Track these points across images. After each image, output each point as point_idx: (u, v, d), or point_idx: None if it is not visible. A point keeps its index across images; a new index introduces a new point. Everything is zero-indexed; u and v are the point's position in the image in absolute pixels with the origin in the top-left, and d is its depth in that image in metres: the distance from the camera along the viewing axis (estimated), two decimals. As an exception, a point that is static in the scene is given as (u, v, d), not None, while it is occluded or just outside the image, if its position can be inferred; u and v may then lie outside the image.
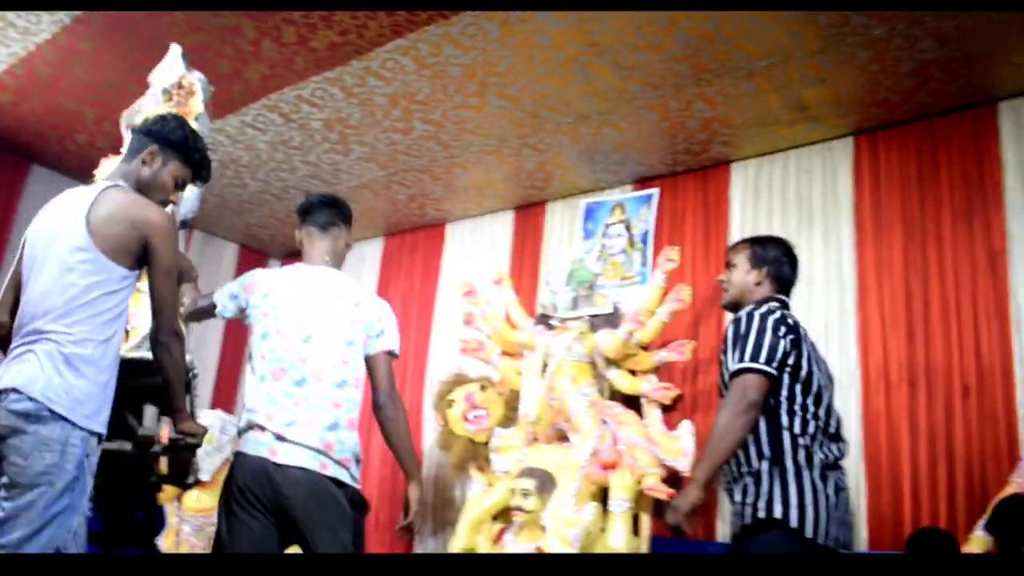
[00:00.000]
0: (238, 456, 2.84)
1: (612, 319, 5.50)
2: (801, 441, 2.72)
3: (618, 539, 4.70)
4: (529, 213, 6.98)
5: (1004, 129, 4.96)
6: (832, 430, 2.84)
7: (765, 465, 2.69)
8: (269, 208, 7.50)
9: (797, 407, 2.76)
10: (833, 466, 2.78)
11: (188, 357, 2.78)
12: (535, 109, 5.51)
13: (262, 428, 2.79)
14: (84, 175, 6.91)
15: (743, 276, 3.08)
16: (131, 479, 3.66)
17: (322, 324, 2.93)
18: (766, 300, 2.96)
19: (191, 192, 3.72)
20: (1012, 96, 4.94)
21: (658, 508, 5.10)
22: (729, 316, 3.11)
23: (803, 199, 5.60)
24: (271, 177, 6.84)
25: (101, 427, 2.49)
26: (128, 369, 2.67)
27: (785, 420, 2.73)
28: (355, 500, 2.85)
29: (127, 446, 3.18)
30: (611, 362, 5.41)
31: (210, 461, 6.00)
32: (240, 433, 2.90)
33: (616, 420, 5.11)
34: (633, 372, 5.47)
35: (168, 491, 6.03)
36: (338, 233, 3.21)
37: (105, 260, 2.50)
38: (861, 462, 4.89)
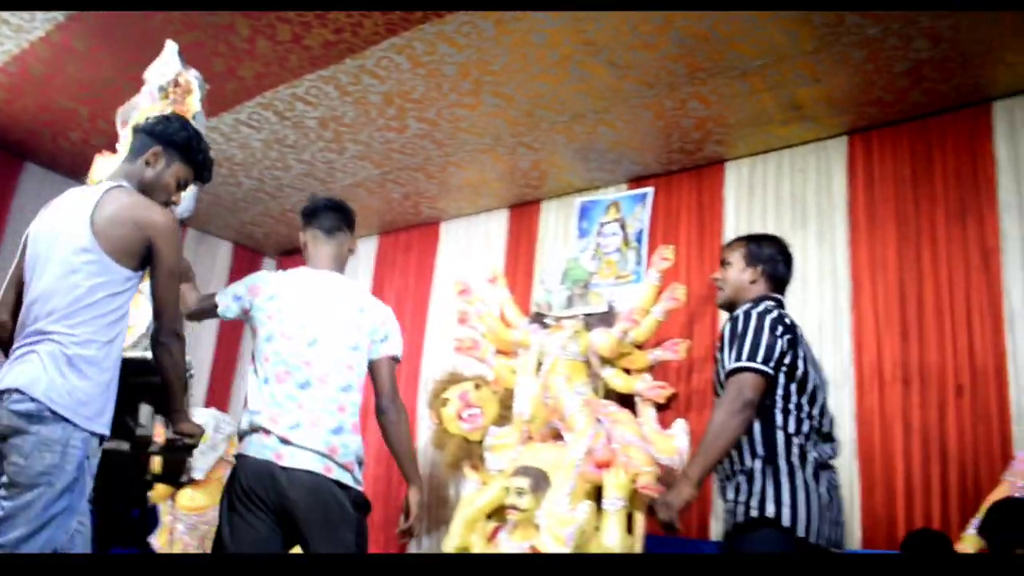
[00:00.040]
0: (241, 458, 2.82)
1: (607, 318, 5.51)
2: (795, 440, 2.72)
3: (612, 538, 4.71)
4: (524, 212, 6.98)
5: (997, 128, 4.97)
6: (825, 430, 2.85)
7: (758, 464, 2.69)
8: (263, 206, 7.50)
9: (792, 406, 2.76)
10: (826, 466, 2.78)
11: (187, 358, 2.78)
12: (530, 108, 5.51)
13: (267, 431, 2.78)
14: (78, 173, 6.92)
15: (738, 274, 3.07)
16: (127, 479, 3.65)
17: (327, 328, 2.94)
18: (762, 299, 2.96)
19: (189, 191, 3.72)
20: (1005, 95, 4.96)
21: (652, 507, 5.10)
22: (724, 314, 3.10)
23: (797, 198, 5.61)
24: (265, 175, 6.83)
25: (103, 428, 2.49)
26: (124, 368, 2.67)
27: (779, 419, 2.73)
28: (358, 502, 2.86)
29: (124, 446, 3.18)
30: (606, 361, 5.41)
31: (204, 460, 6.00)
32: (242, 435, 2.89)
33: (610, 419, 5.11)
34: (628, 371, 5.47)
35: (161, 489, 6.02)
36: (343, 238, 3.21)
37: (109, 262, 2.49)
38: (855, 460, 4.90)
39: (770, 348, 2.73)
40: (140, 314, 3.33)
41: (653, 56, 4.83)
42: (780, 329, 2.79)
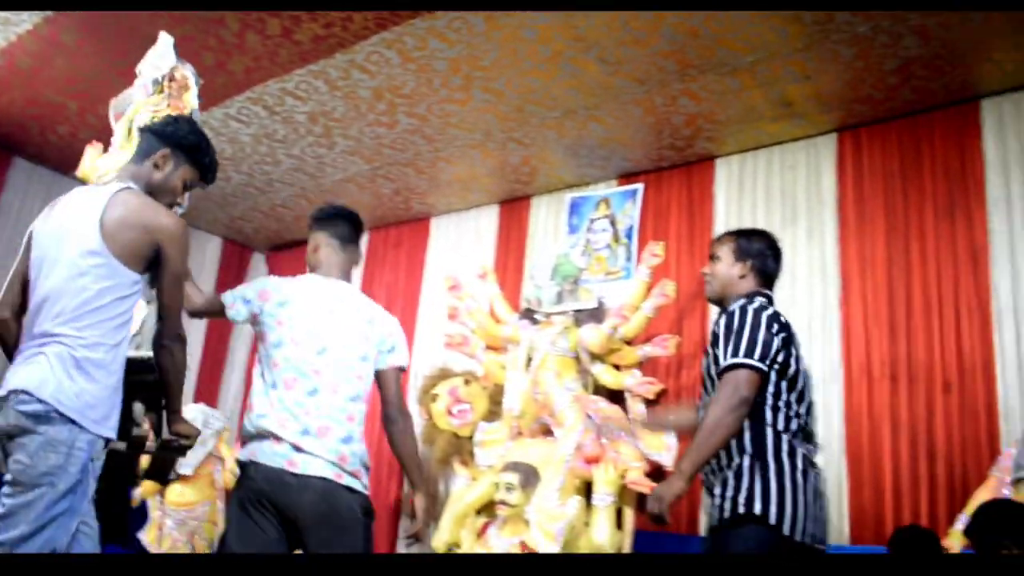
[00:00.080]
0: (252, 465, 2.84)
1: (596, 314, 5.51)
2: (784, 438, 2.73)
3: (602, 533, 4.72)
4: (514, 207, 6.98)
5: (986, 126, 4.99)
6: (809, 429, 2.85)
7: (747, 460, 2.69)
8: (252, 201, 7.48)
9: (781, 404, 2.76)
10: (812, 464, 2.79)
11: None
12: (520, 103, 5.51)
13: (277, 438, 2.81)
14: (66, 167, 6.88)
15: (727, 269, 3.06)
16: (123, 478, 3.65)
17: (337, 338, 2.96)
18: (752, 294, 2.96)
19: None
20: (994, 93, 4.97)
21: (642, 502, 5.11)
22: (714, 310, 3.10)
23: (787, 195, 5.62)
24: (255, 170, 6.81)
25: (110, 432, 2.49)
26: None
27: (769, 416, 2.73)
28: (366, 507, 2.90)
29: (121, 446, 3.18)
30: (595, 357, 5.42)
31: (193, 455, 5.99)
32: (248, 438, 2.91)
33: (600, 414, 5.12)
34: (617, 367, 5.48)
35: (149, 485, 6.01)
36: (354, 249, 3.23)
37: (118, 265, 2.49)
38: (843, 457, 4.92)
39: (766, 345, 2.73)
40: (136, 314, 3.33)
41: (644, 52, 4.83)
42: (776, 327, 2.79)
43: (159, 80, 3.87)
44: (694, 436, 2.81)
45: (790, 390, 2.79)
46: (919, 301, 4.93)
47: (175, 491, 6.19)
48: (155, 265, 2.56)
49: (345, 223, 3.22)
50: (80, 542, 2.40)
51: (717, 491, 2.76)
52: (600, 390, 5.45)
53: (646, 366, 5.53)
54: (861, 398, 4.95)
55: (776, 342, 2.77)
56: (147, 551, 6.14)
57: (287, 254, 8.50)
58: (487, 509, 5.19)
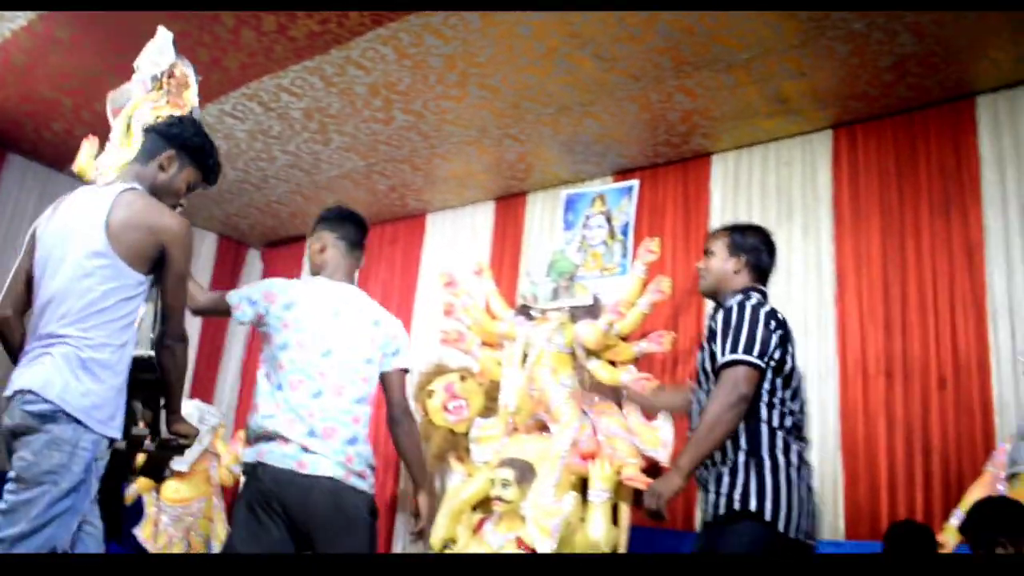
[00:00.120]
0: (260, 466, 2.85)
1: (592, 310, 5.51)
2: (779, 434, 2.73)
3: (598, 529, 4.72)
4: (510, 204, 6.98)
5: (981, 123, 5.00)
6: (802, 425, 2.86)
7: (742, 457, 2.69)
8: (248, 198, 7.47)
9: (776, 401, 2.76)
10: (805, 461, 2.80)
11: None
12: (516, 100, 5.51)
13: (285, 439, 2.84)
14: (61, 164, 6.87)
15: (721, 264, 3.06)
16: (120, 475, 3.65)
17: (342, 340, 2.99)
18: (748, 290, 2.96)
19: None
20: (989, 90, 4.98)
21: (638, 498, 5.12)
22: (710, 306, 3.11)
23: (782, 191, 5.63)
24: (250, 166, 6.80)
25: (115, 432, 2.50)
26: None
27: (764, 413, 2.74)
28: (371, 507, 2.95)
29: (121, 444, 3.19)
30: (591, 353, 5.42)
31: (188, 452, 5.96)
32: (255, 439, 2.93)
33: (596, 410, 5.12)
34: (613, 363, 5.48)
35: (144, 482, 6.01)
36: (359, 254, 3.26)
37: (123, 266, 2.49)
38: (838, 453, 4.93)
39: (765, 342, 2.73)
40: None
41: (639, 49, 4.83)
42: (773, 324, 2.79)
43: (158, 76, 3.86)
44: (686, 418, 2.84)
45: (785, 387, 2.80)
46: (914, 297, 4.94)
47: (171, 487, 6.19)
48: (159, 266, 2.57)
49: (353, 226, 3.25)
50: (84, 542, 2.42)
51: (712, 487, 2.77)
52: (596, 386, 5.45)
53: (642, 362, 5.52)
54: (856, 394, 4.97)
55: (774, 339, 2.78)
56: (143, 547, 6.14)
57: (283, 250, 8.50)
58: (483, 505, 5.19)
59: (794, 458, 2.74)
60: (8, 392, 2.42)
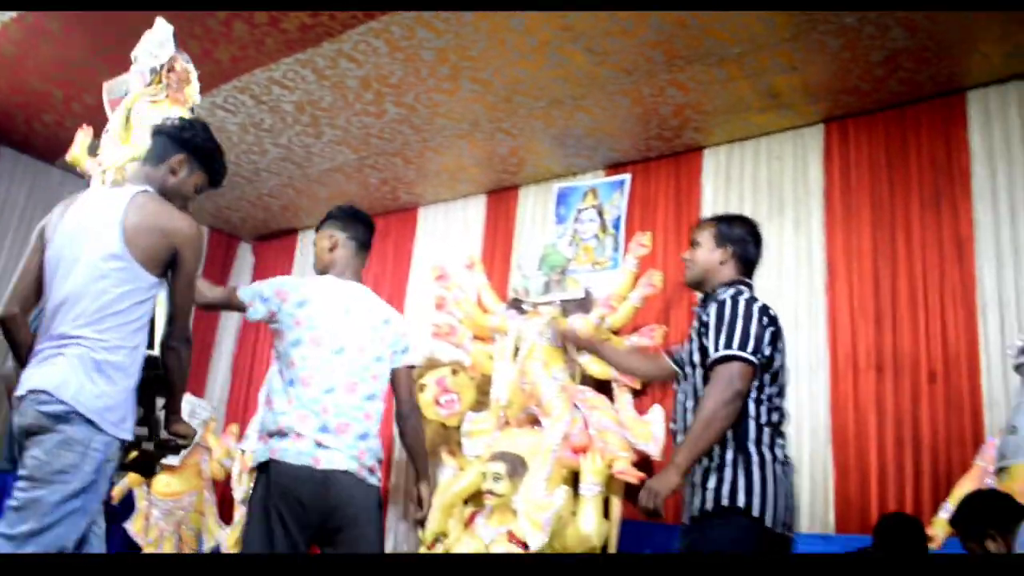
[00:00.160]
0: (274, 463, 2.88)
1: (584, 304, 5.52)
2: (766, 430, 2.73)
3: (589, 523, 4.73)
4: (501, 198, 6.97)
5: (972, 117, 5.02)
6: (784, 422, 2.86)
7: (730, 454, 2.68)
8: (240, 191, 7.45)
9: (764, 397, 2.76)
10: (788, 457, 2.80)
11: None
12: (508, 93, 5.50)
13: (298, 434, 2.88)
14: (51, 156, 6.85)
15: (707, 254, 3.03)
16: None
17: (354, 338, 3.05)
18: (737, 283, 2.94)
19: None
20: (980, 85, 5.00)
21: (629, 492, 5.13)
22: (699, 296, 3.08)
23: (774, 185, 5.64)
24: (242, 159, 6.78)
25: (127, 434, 2.51)
26: None
27: (752, 409, 2.73)
28: (379, 500, 3.02)
29: None
30: (582, 347, 5.43)
31: (179, 445, 5.97)
32: (268, 435, 2.95)
33: (587, 404, 5.13)
34: (604, 357, 5.49)
35: (134, 477, 6.00)
36: (366, 255, 3.31)
37: (138, 269, 2.51)
38: (828, 446, 4.95)
39: (758, 339, 2.72)
40: None
41: (631, 43, 4.83)
42: (765, 320, 2.78)
43: (157, 69, 3.85)
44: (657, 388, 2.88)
45: (772, 383, 2.80)
46: (905, 291, 4.96)
47: (162, 481, 6.19)
48: (170, 268, 2.59)
49: (364, 228, 3.30)
50: (89, 541, 2.43)
51: (698, 481, 2.75)
52: (587, 380, 5.46)
53: (633, 356, 5.54)
54: (847, 388, 4.98)
55: (766, 336, 2.77)
56: (134, 541, 6.14)
57: (274, 243, 8.48)
58: (475, 499, 5.20)
59: (779, 453, 2.74)
60: (21, 391, 2.42)
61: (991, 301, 4.68)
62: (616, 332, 5.46)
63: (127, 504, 6.21)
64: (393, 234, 7.57)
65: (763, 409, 2.76)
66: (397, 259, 7.46)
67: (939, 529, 4.05)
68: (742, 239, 3.02)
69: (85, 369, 2.40)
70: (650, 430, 5.03)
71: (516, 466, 4.85)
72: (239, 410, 7.79)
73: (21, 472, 2.36)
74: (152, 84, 3.84)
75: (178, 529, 6.18)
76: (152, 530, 6.13)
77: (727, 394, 2.64)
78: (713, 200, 5.82)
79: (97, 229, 2.52)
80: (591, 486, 4.83)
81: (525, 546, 4.55)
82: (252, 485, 3.00)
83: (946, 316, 4.80)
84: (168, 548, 6.11)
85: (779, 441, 2.77)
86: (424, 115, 5.87)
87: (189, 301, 2.67)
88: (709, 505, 2.66)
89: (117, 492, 6.09)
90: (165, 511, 6.17)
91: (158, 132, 2.79)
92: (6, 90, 6.07)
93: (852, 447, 4.88)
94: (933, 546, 3.96)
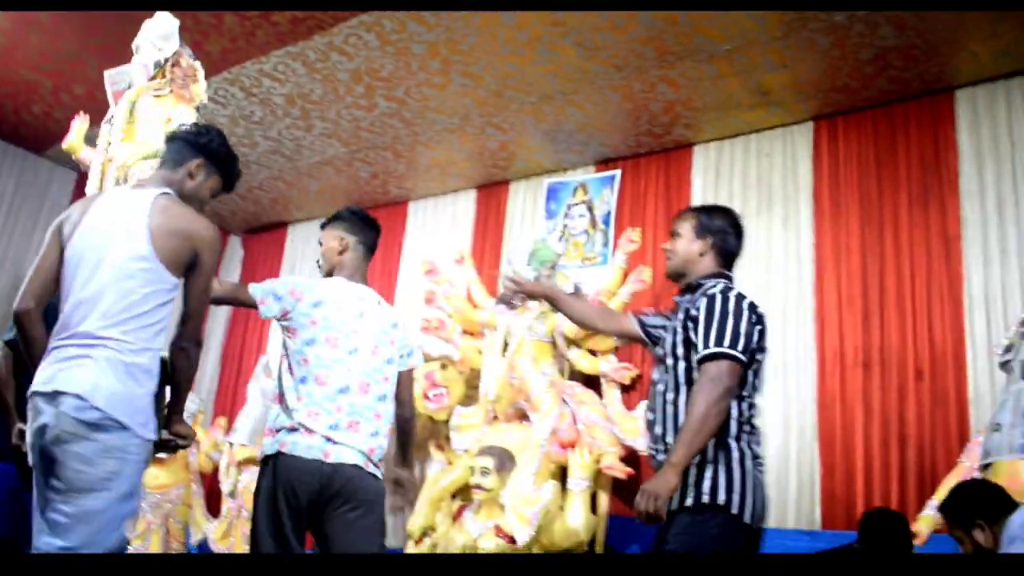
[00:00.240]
0: (282, 456, 2.96)
1: (573, 299, 5.52)
2: (745, 428, 2.74)
3: (576, 517, 4.74)
4: (492, 192, 6.97)
5: (960, 116, 5.04)
6: (756, 416, 2.86)
7: (710, 450, 2.67)
8: (229, 183, 7.42)
9: (745, 393, 2.76)
10: (760, 452, 2.80)
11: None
12: (499, 88, 5.50)
13: (309, 430, 2.96)
14: (40, 146, 6.82)
15: (687, 245, 3.01)
16: None
17: (367, 340, 3.14)
18: (715, 275, 2.93)
19: None
20: (969, 84, 5.02)
21: (616, 487, 5.15)
22: (682, 287, 3.06)
23: (763, 182, 5.65)
24: (231, 152, 6.75)
25: (154, 434, 2.55)
26: None
27: (734, 406, 2.73)
28: (383, 492, 3.11)
29: None
30: (572, 342, 5.44)
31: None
32: (277, 430, 3.02)
33: (576, 399, 5.14)
34: (593, 352, 5.50)
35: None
36: (370, 259, 3.42)
37: (162, 270, 2.53)
38: (815, 442, 4.97)
39: (748, 337, 2.72)
40: None
41: (622, 38, 4.83)
42: (754, 317, 2.78)
43: (161, 63, 3.83)
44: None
45: (753, 380, 2.80)
46: (892, 288, 4.98)
47: (150, 474, 6.16)
48: (189, 270, 2.62)
49: (375, 234, 3.42)
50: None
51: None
52: (576, 375, 5.47)
53: (621, 351, 5.55)
54: (834, 384, 5.00)
55: (755, 334, 2.77)
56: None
57: (263, 237, 8.46)
58: (463, 493, 5.21)
59: (756, 449, 2.75)
60: (44, 388, 2.42)
61: (978, 299, 4.71)
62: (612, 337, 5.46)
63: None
64: (383, 228, 7.53)
65: (744, 405, 2.76)
66: (387, 253, 7.44)
67: (924, 526, 4.08)
68: (722, 230, 3.00)
69: (115, 372, 2.42)
70: (638, 425, 5.04)
71: (504, 461, 4.86)
72: (227, 403, 7.78)
73: (56, 485, 2.36)
74: (156, 77, 3.83)
75: (165, 522, 6.17)
76: (140, 523, 6.12)
77: (718, 391, 2.63)
78: (702, 196, 5.83)
79: (122, 230, 2.54)
80: (579, 481, 4.84)
81: (512, 540, 4.56)
82: (258, 477, 3.05)
83: (933, 313, 4.82)
84: (155, 541, 6.10)
85: (755, 437, 2.78)
86: (415, 109, 5.86)
87: (204, 303, 2.70)
88: (689, 501, 2.65)
89: None
90: (153, 504, 6.15)
91: (174, 138, 2.85)
92: (-5, 80, 6.05)
93: (839, 443, 4.90)
94: (918, 543, 3.99)
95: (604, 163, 6.36)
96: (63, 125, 4.24)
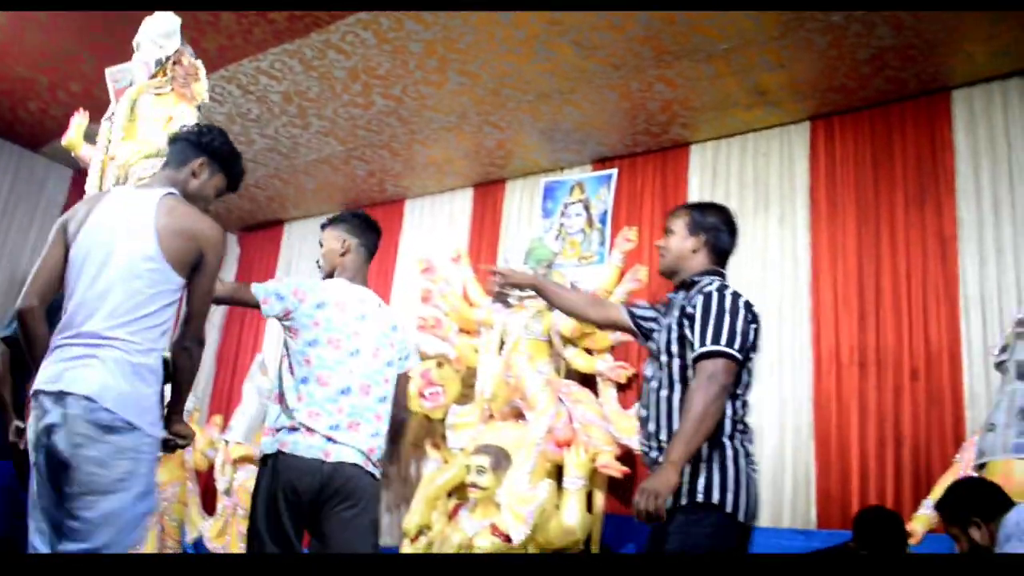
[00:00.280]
0: (280, 455, 2.99)
1: (569, 298, 5.51)
2: (739, 426, 2.74)
3: (572, 516, 4.74)
4: (488, 191, 6.97)
5: (957, 116, 5.04)
6: (748, 415, 2.86)
7: (705, 449, 2.68)
8: (226, 181, 7.41)
9: (738, 392, 2.76)
10: (749, 451, 2.80)
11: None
12: (496, 86, 5.50)
13: (310, 430, 2.99)
14: (36, 143, 6.81)
15: (680, 242, 3.00)
16: None
17: (369, 342, 3.18)
18: (709, 273, 2.92)
19: None
20: (965, 84, 5.03)
21: (612, 486, 5.15)
22: (675, 284, 3.05)
23: (760, 182, 5.65)
24: (228, 150, 6.75)
25: (162, 432, 2.58)
26: None
27: (728, 405, 2.73)
28: (379, 491, 3.18)
29: None
30: (568, 341, 5.44)
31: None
32: (277, 429, 3.04)
33: (571, 398, 5.14)
34: (589, 351, 5.50)
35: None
36: (370, 261, 3.44)
37: (169, 270, 2.54)
38: (811, 442, 4.97)
39: (745, 335, 2.72)
40: None
41: (619, 37, 4.83)
42: (750, 316, 2.78)
43: (162, 61, 3.83)
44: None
45: (747, 379, 2.80)
46: (888, 288, 4.98)
47: (144, 471, 6.15)
48: (193, 270, 2.62)
49: (376, 237, 3.44)
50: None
51: None
52: (572, 374, 5.47)
53: (618, 350, 5.56)
54: (830, 384, 5.01)
55: (751, 333, 2.77)
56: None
57: (259, 234, 8.45)
58: (458, 491, 5.21)
59: (749, 447, 2.75)
60: (49, 387, 2.42)
61: (973, 299, 4.72)
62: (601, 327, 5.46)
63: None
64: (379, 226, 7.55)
65: (738, 403, 2.77)
66: (383, 251, 7.36)
67: (919, 525, 4.09)
68: (715, 227, 2.99)
69: (123, 373, 2.43)
70: (634, 424, 5.02)
71: (500, 459, 4.86)
72: (223, 401, 7.78)
73: (71, 490, 2.36)
74: (157, 76, 3.82)
75: (160, 520, 6.16)
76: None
77: (714, 389, 2.63)
78: (699, 195, 5.83)
79: (129, 229, 2.55)
80: (575, 480, 4.85)
81: (508, 539, 4.56)
82: (257, 476, 3.08)
83: (929, 313, 4.83)
84: (151, 539, 6.09)
85: (748, 436, 2.78)
86: (412, 107, 5.86)
87: (208, 304, 2.70)
88: (684, 499, 2.65)
89: None
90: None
91: (177, 139, 2.86)
92: (-9, 77, 6.04)
93: (834, 443, 4.90)
94: (913, 542, 4.00)
95: (601, 162, 6.36)
96: (59, 122, 4.24)
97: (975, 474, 3.78)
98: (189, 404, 6.40)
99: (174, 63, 3.84)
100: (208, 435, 6.66)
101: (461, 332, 5.83)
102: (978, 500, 3.09)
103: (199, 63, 3.95)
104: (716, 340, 2.68)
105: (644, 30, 4.74)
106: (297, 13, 4.85)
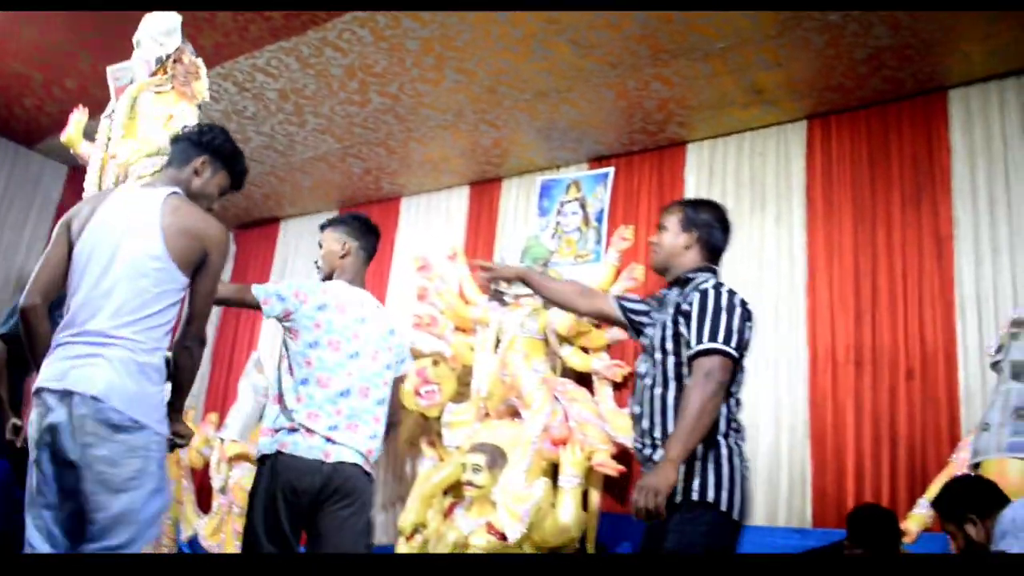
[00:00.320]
0: (279, 456, 3.00)
1: (565, 296, 5.51)
2: (732, 425, 2.74)
3: (568, 514, 4.74)
4: (485, 189, 6.96)
5: (953, 116, 5.05)
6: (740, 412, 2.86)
7: (700, 446, 2.68)
8: (221, 178, 7.40)
9: (733, 390, 2.77)
10: (742, 448, 2.80)
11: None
12: (492, 85, 5.49)
13: (309, 430, 3.02)
14: (31, 140, 6.79)
15: (673, 239, 2.99)
16: None
17: (368, 345, 3.21)
18: (703, 269, 2.92)
19: None
20: (962, 84, 5.03)
21: (608, 484, 5.15)
22: (669, 281, 3.05)
23: (756, 180, 5.66)
24: (224, 147, 6.74)
25: (167, 430, 2.59)
26: None
27: (723, 404, 2.73)
28: (373, 492, 3.20)
29: None
30: (564, 339, 5.44)
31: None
32: (276, 430, 3.06)
33: (567, 397, 5.14)
34: (585, 349, 5.50)
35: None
36: (369, 264, 3.47)
37: (175, 270, 2.55)
38: (806, 440, 4.98)
39: (741, 333, 2.72)
40: None
41: (616, 36, 4.83)
42: (745, 314, 2.78)
43: (163, 59, 3.82)
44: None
45: (740, 377, 2.81)
46: (884, 288, 4.99)
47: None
48: (197, 270, 2.63)
49: (376, 240, 3.49)
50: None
51: None
52: (568, 372, 5.48)
53: (614, 349, 5.56)
54: (826, 383, 5.01)
55: (746, 331, 2.77)
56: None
57: (255, 232, 8.43)
58: (454, 490, 5.21)
59: (742, 444, 2.76)
60: (54, 386, 2.41)
61: (969, 298, 4.72)
62: (597, 325, 5.47)
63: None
64: (376, 224, 7.54)
65: (732, 402, 2.77)
66: (379, 249, 7.40)
67: (914, 524, 4.10)
68: (708, 224, 2.99)
69: (130, 372, 2.43)
70: (629, 423, 5.04)
71: (496, 458, 4.86)
72: (218, 399, 7.77)
73: (83, 489, 2.36)
74: (157, 73, 3.82)
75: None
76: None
77: (711, 386, 2.63)
78: (696, 194, 5.82)
79: (135, 228, 2.55)
80: (570, 478, 4.85)
81: (503, 537, 4.56)
82: (255, 476, 3.09)
83: (924, 313, 4.84)
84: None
85: (741, 434, 2.79)
86: (408, 105, 5.85)
87: (210, 303, 2.71)
88: (679, 498, 2.65)
89: None
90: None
91: (179, 138, 2.87)
92: (-15, 73, 6.02)
93: (830, 441, 4.91)
94: (907, 541, 4.00)
95: (597, 160, 6.36)
96: (54, 119, 4.23)
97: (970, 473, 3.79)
98: (186, 402, 6.42)
99: (175, 61, 3.84)
100: (203, 433, 6.65)
101: (457, 330, 5.83)
102: (974, 497, 3.09)
103: (200, 61, 3.94)
104: (713, 338, 2.68)
105: (641, 29, 4.74)
106: (294, 11, 4.84)
